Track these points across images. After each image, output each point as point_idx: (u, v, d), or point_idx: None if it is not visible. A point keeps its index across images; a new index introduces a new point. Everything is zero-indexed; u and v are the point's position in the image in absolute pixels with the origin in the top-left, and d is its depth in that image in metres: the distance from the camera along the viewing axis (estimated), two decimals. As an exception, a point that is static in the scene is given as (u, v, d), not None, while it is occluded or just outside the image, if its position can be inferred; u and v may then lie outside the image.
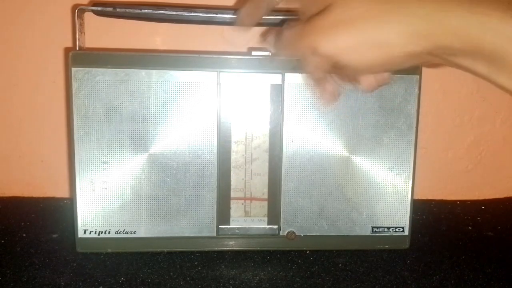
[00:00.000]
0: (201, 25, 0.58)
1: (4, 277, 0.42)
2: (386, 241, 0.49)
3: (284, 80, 0.45)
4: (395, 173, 0.48)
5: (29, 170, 0.63)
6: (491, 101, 0.64)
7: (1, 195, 0.63)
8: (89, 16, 0.47)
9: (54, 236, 0.51)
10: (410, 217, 0.48)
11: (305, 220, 0.47)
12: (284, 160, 0.46)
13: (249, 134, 0.46)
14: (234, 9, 0.47)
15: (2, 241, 0.49)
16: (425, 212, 0.61)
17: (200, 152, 0.45)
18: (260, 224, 0.48)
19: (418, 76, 0.46)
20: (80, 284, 0.41)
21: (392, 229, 0.48)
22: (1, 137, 0.62)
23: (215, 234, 0.47)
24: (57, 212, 0.58)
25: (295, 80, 0.45)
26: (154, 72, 0.44)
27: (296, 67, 0.45)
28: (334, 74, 0.39)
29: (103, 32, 0.58)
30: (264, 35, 0.47)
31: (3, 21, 0.59)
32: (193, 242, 0.47)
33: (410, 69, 0.46)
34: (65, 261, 0.45)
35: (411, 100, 0.47)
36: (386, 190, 0.48)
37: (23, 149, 0.62)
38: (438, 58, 0.32)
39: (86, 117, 0.44)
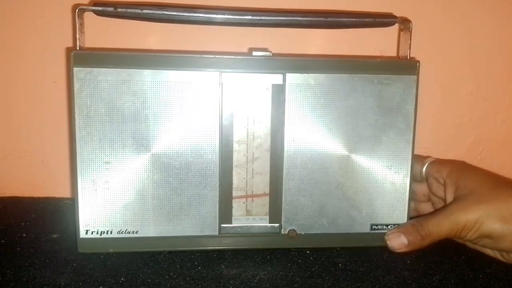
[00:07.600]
0: (202, 26, 0.58)
1: (4, 277, 0.41)
2: (386, 239, 0.49)
3: (285, 80, 0.46)
4: (394, 171, 0.48)
5: (29, 170, 0.63)
6: (491, 101, 0.65)
7: (1, 195, 0.63)
8: (89, 16, 0.47)
9: (54, 236, 0.50)
10: (408, 214, 0.49)
11: (306, 218, 0.48)
12: (285, 159, 0.47)
13: (251, 133, 0.46)
14: (234, 9, 0.47)
15: (2, 241, 0.49)
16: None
17: (202, 151, 0.46)
18: (262, 222, 0.48)
19: (415, 77, 0.47)
20: (80, 284, 0.41)
21: (391, 226, 0.49)
22: (1, 137, 0.62)
23: (217, 233, 0.47)
24: (57, 212, 0.58)
25: (296, 80, 0.46)
26: (156, 72, 0.44)
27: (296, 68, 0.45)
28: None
29: (103, 32, 0.58)
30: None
31: (3, 21, 0.59)
32: (195, 241, 0.47)
33: (408, 69, 0.47)
34: (65, 261, 0.45)
35: (409, 100, 0.47)
36: (385, 188, 0.48)
37: (23, 149, 0.62)
38: None
39: (88, 117, 0.44)
